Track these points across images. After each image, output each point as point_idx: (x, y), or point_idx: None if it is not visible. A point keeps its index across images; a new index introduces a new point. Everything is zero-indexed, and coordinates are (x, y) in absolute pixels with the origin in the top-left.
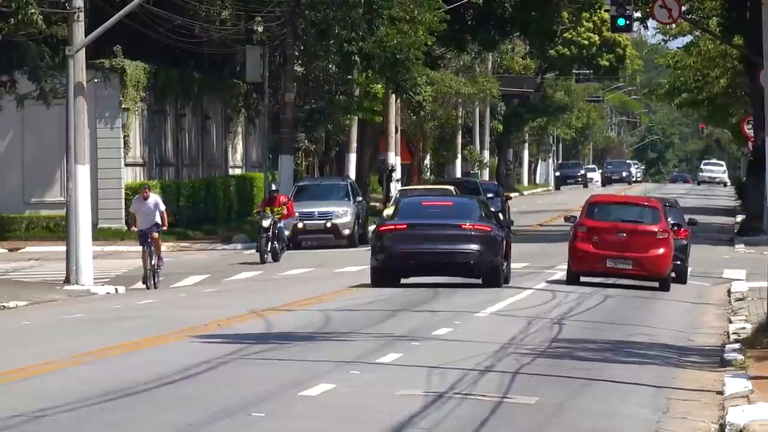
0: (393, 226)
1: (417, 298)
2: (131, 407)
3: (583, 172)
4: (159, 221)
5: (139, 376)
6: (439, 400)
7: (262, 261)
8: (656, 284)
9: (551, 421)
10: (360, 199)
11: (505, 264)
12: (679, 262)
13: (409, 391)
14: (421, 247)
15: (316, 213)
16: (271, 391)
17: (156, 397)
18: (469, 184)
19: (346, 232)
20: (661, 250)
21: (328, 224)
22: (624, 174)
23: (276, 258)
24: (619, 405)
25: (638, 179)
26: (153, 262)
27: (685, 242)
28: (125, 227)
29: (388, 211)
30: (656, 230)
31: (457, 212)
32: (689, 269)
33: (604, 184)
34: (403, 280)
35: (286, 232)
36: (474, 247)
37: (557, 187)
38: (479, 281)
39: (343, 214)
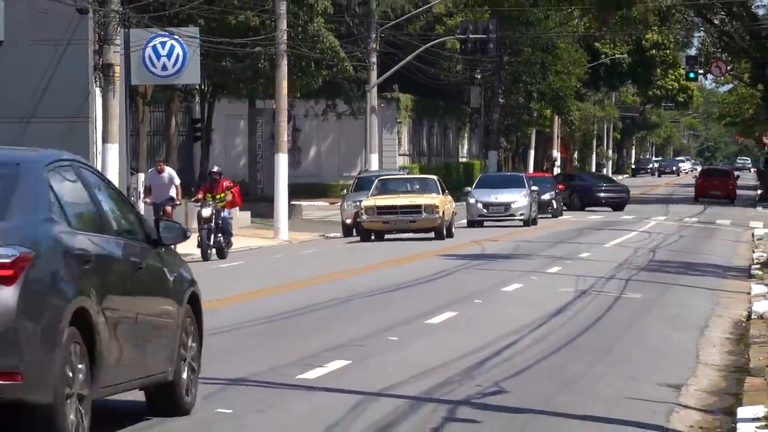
0: None
1: (567, 236)
2: (392, 299)
3: (651, 165)
4: (173, 195)
5: (404, 279)
6: (583, 295)
7: (205, 258)
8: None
9: (651, 308)
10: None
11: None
12: None
13: (565, 289)
14: None
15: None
16: (483, 288)
17: (413, 291)
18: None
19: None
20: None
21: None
22: (673, 168)
23: (222, 254)
24: (690, 299)
25: (687, 171)
26: None
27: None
28: None
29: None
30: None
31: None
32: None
33: (659, 175)
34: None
35: (232, 222)
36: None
37: (633, 175)
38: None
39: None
